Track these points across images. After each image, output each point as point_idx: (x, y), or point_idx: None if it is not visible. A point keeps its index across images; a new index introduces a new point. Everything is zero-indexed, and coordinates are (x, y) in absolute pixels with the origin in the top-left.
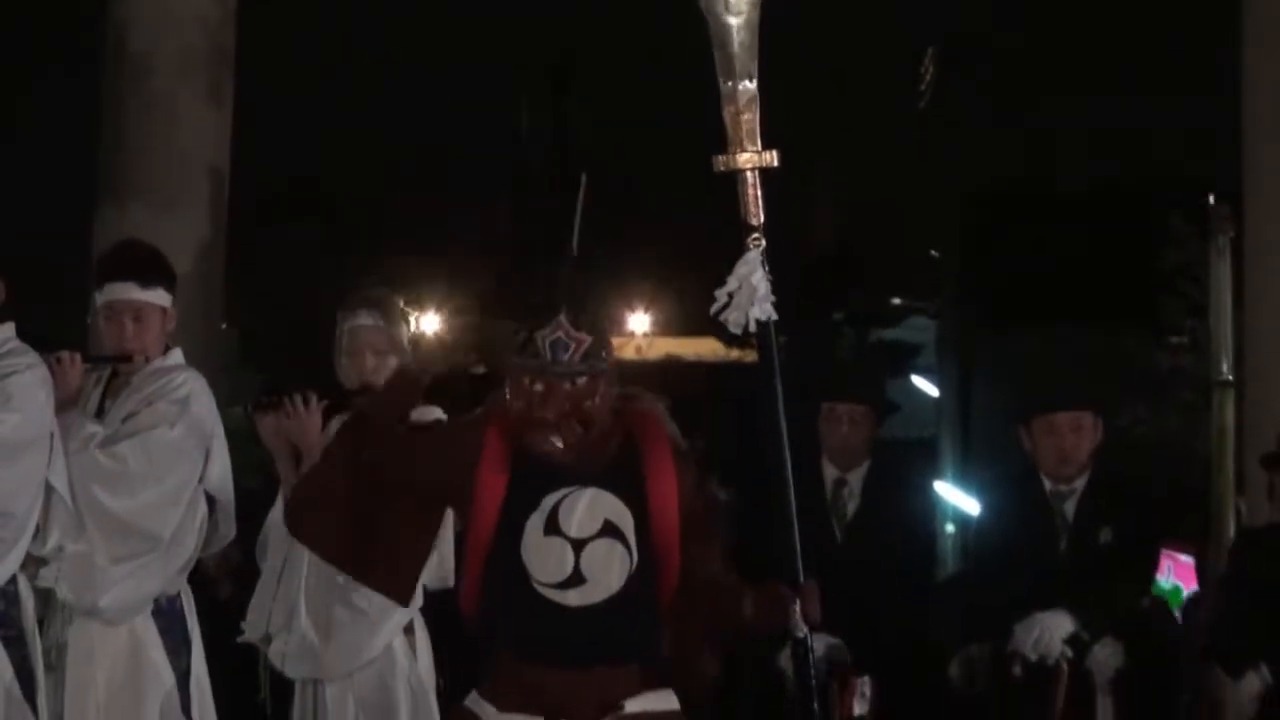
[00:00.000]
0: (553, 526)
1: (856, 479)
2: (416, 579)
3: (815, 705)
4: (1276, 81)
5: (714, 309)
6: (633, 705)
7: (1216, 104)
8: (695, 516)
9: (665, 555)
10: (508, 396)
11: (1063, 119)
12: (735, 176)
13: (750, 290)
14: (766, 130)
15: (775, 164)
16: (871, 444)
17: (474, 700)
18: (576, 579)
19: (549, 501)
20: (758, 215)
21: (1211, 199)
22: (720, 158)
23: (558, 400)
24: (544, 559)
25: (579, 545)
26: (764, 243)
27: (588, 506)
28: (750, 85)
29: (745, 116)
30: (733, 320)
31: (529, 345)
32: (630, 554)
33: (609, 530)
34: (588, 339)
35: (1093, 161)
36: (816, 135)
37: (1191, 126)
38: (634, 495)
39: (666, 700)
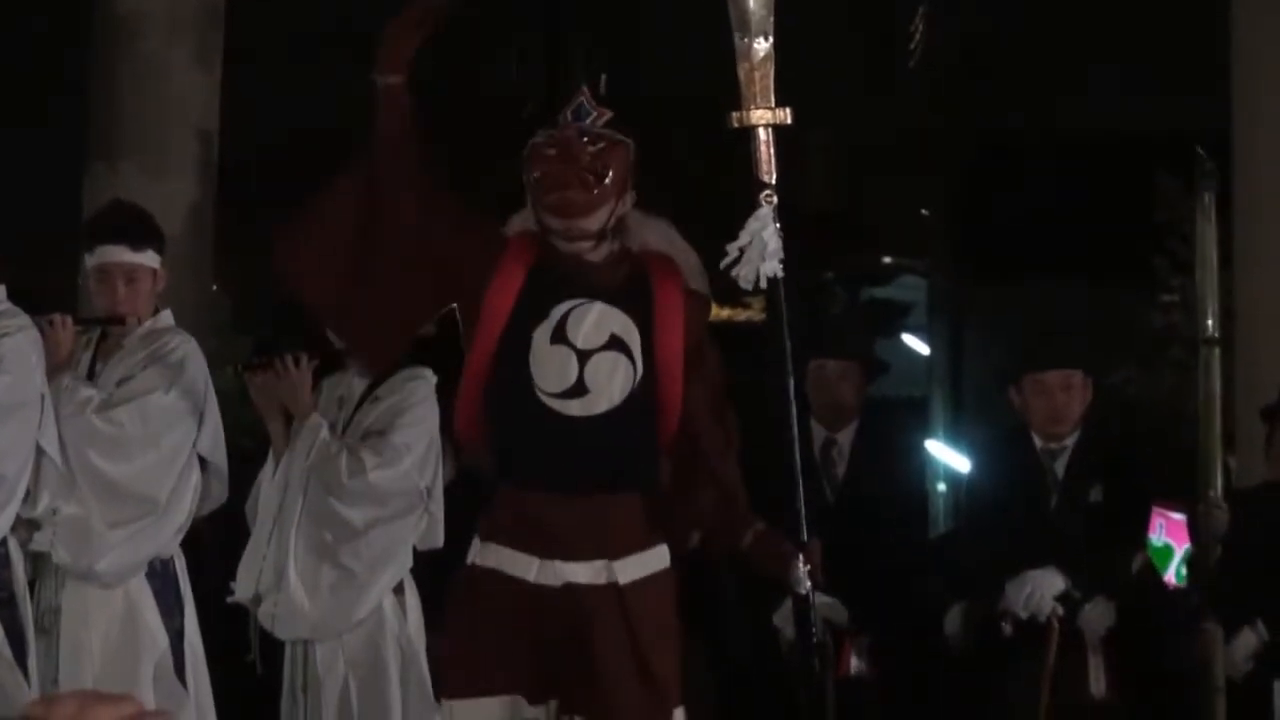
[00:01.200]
0: (559, 335)
1: (846, 439)
2: (397, 351)
3: (816, 663)
4: (1267, 36)
5: (724, 264)
6: (625, 573)
7: (1211, 61)
8: (699, 353)
9: (668, 379)
10: (526, 176)
11: (1053, 80)
12: (748, 133)
13: (761, 246)
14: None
15: (789, 121)
16: (860, 402)
17: (473, 549)
18: (580, 389)
19: (557, 311)
20: (771, 172)
21: (1199, 151)
22: (735, 114)
23: (576, 154)
24: (548, 367)
25: (584, 356)
26: (776, 199)
27: (595, 319)
28: (766, 43)
29: (760, 74)
30: (743, 276)
31: (548, 122)
32: (634, 369)
33: (614, 344)
34: (609, 113)
35: (1084, 120)
36: (808, 93)
37: (1185, 83)
38: (641, 314)
39: (659, 559)
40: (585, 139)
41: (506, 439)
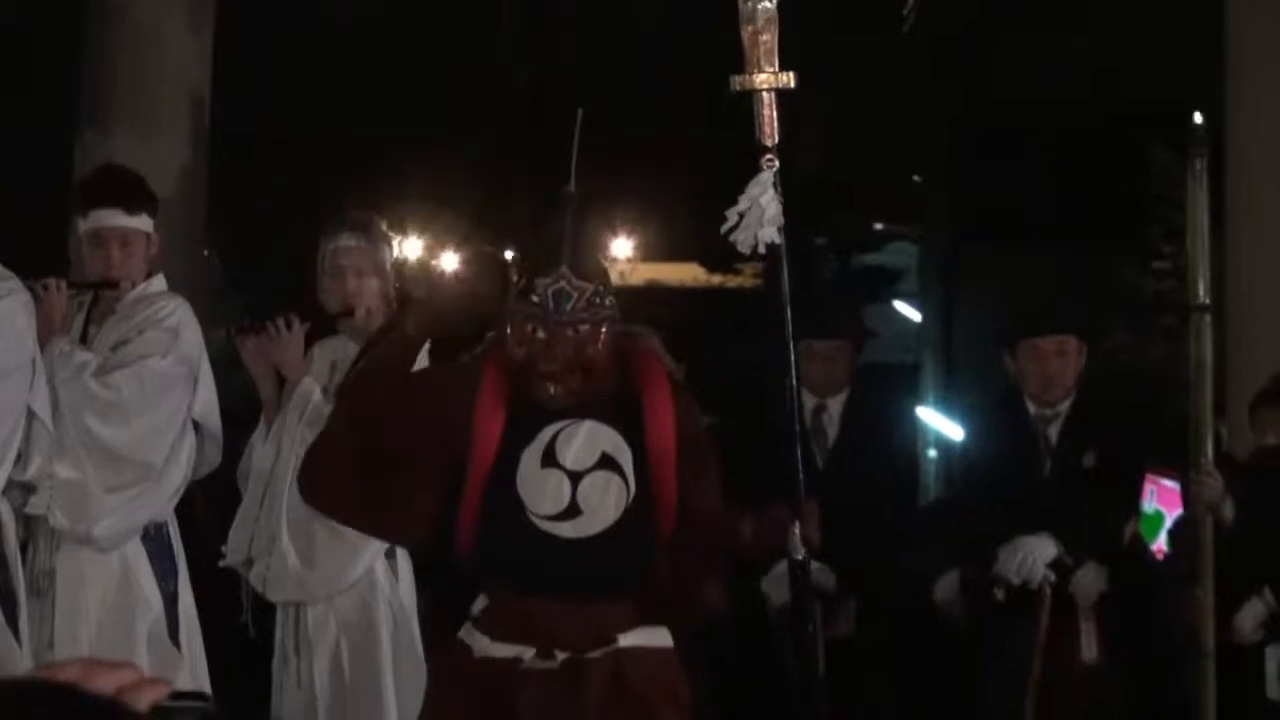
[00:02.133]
0: (550, 458)
1: (836, 405)
2: (429, 524)
3: (810, 627)
4: (1261, 4)
5: (724, 229)
6: (626, 640)
7: (1205, 29)
8: (692, 451)
9: (662, 489)
10: (508, 342)
11: (1046, 43)
12: (751, 97)
13: (760, 212)
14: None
15: (792, 85)
16: (852, 373)
17: (466, 632)
18: (573, 511)
19: (546, 434)
20: (772, 136)
21: (1197, 117)
22: (737, 78)
23: (560, 348)
24: (541, 491)
25: (576, 477)
26: (777, 164)
27: (585, 439)
28: (770, 5)
29: (764, 37)
30: (741, 241)
31: (530, 292)
32: (627, 487)
33: (606, 463)
34: (589, 287)
35: (1077, 85)
36: (799, 59)
37: (1180, 50)
38: (631, 429)
39: (660, 637)
40: (569, 328)
41: (500, 558)
